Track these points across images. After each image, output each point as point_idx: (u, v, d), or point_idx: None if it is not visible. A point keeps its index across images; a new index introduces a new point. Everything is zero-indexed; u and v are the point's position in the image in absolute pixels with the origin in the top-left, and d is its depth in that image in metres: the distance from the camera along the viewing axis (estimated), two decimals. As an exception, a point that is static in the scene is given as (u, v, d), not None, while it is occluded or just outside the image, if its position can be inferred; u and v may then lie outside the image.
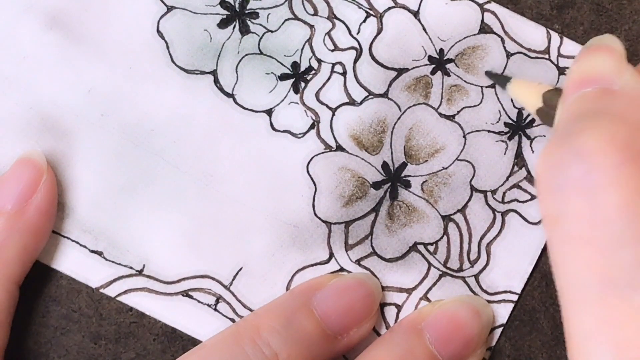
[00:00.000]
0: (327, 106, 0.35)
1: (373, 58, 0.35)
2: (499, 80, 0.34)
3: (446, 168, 0.35)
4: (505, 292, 0.35)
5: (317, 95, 0.35)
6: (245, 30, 0.35)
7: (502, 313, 0.35)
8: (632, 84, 0.26)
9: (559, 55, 0.35)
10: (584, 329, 0.24)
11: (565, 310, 0.25)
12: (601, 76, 0.26)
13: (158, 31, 0.35)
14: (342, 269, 0.35)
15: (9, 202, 0.33)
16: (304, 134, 0.35)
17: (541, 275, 0.35)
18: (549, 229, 0.25)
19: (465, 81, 0.35)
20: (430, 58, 0.35)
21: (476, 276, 0.35)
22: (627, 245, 0.23)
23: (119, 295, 0.34)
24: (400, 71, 0.35)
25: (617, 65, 0.26)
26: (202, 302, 0.34)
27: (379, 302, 0.34)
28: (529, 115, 0.35)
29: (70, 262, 0.35)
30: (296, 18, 0.35)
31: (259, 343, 0.31)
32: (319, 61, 0.35)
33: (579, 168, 0.24)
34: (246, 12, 0.35)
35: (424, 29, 0.35)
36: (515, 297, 0.35)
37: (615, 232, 0.23)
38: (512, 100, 0.35)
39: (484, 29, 0.35)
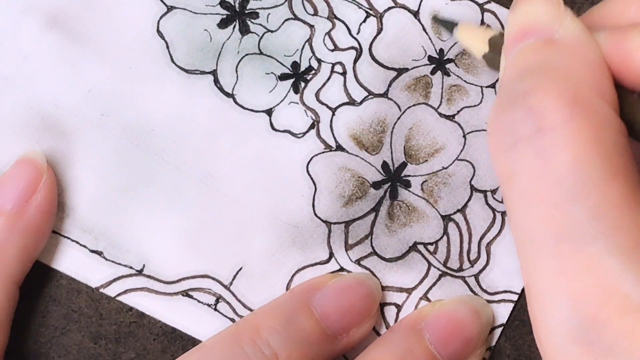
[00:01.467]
0: (327, 106, 0.35)
1: (373, 58, 0.35)
2: (447, 25, 0.34)
3: (446, 168, 0.35)
4: (505, 292, 0.35)
5: (317, 95, 0.35)
6: (245, 30, 0.35)
7: (502, 313, 0.35)
8: (572, 30, 0.26)
9: (559, 55, 0.35)
10: (541, 283, 0.24)
11: (523, 267, 0.25)
12: (540, 26, 0.26)
13: (158, 31, 0.35)
14: (342, 269, 0.35)
15: (9, 202, 0.33)
16: (304, 133, 0.35)
17: (541, 275, 0.35)
18: (504, 187, 0.25)
19: (465, 81, 0.35)
20: (430, 58, 0.35)
21: (476, 276, 0.35)
22: (579, 200, 0.23)
23: (119, 295, 0.35)
24: (400, 71, 0.35)
25: (555, 12, 0.26)
26: (202, 302, 0.34)
27: (379, 302, 0.34)
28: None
29: (70, 262, 0.35)
30: (296, 18, 0.35)
31: (258, 343, 0.31)
32: (319, 61, 0.35)
33: (529, 127, 0.24)
34: (246, 12, 0.35)
35: (424, 29, 0.35)
36: (515, 297, 0.35)
37: (567, 188, 0.24)
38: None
39: (484, 28, 0.35)
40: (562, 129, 0.24)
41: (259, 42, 0.35)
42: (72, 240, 0.35)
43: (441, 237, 0.35)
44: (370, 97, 0.35)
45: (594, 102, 0.24)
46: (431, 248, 0.35)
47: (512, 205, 0.25)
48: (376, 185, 0.35)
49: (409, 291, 0.35)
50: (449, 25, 0.33)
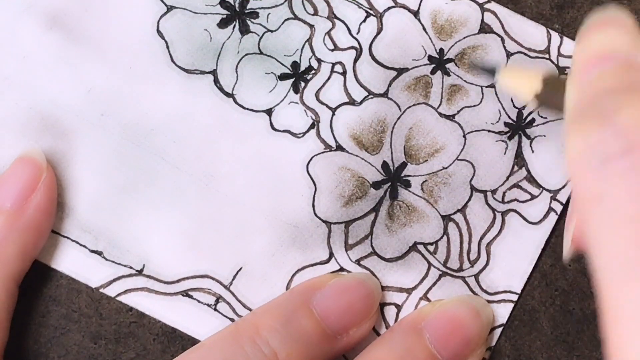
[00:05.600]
0: (327, 106, 0.35)
1: (373, 58, 0.35)
2: (487, 71, 0.33)
3: (446, 168, 0.35)
4: (505, 292, 0.35)
5: (317, 95, 0.35)
6: (245, 30, 0.35)
7: (502, 313, 0.35)
8: None
9: (559, 54, 0.35)
10: (627, 310, 0.23)
11: (604, 294, 0.24)
12: (619, 52, 0.26)
13: (158, 31, 0.35)
14: (342, 269, 0.35)
15: (9, 201, 0.33)
16: (304, 133, 0.35)
17: (541, 275, 0.35)
18: (588, 209, 0.24)
19: (465, 81, 0.35)
20: (430, 58, 0.35)
21: (476, 276, 0.35)
22: None
23: (118, 295, 0.34)
24: (400, 71, 0.35)
25: (633, 39, 0.26)
26: (202, 302, 0.34)
27: (378, 302, 0.34)
28: (529, 115, 0.35)
29: (70, 262, 0.35)
30: (296, 18, 0.35)
31: (258, 342, 0.31)
32: (319, 61, 0.35)
33: (620, 146, 0.24)
34: (246, 11, 0.35)
35: (424, 29, 0.35)
36: (515, 297, 0.35)
37: None
38: (512, 100, 0.35)
39: (484, 28, 0.35)
40: None
41: (259, 42, 0.35)
42: (72, 240, 0.35)
43: (441, 237, 0.35)
44: (370, 97, 0.35)
45: None
46: (431, 248, 0.35)
47: (597, 227, 0.24)
48: (376, 185, 0.35)
49: (409, 291, 0.35)
50: (490, 71, 0.32)
